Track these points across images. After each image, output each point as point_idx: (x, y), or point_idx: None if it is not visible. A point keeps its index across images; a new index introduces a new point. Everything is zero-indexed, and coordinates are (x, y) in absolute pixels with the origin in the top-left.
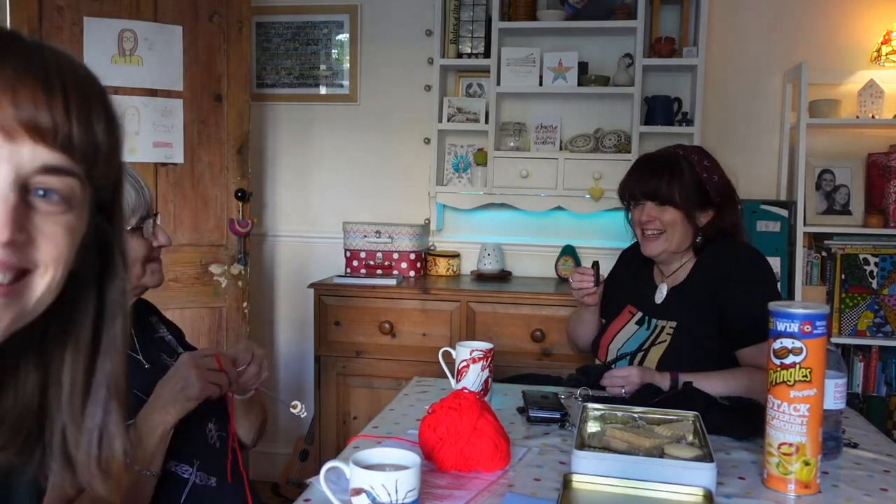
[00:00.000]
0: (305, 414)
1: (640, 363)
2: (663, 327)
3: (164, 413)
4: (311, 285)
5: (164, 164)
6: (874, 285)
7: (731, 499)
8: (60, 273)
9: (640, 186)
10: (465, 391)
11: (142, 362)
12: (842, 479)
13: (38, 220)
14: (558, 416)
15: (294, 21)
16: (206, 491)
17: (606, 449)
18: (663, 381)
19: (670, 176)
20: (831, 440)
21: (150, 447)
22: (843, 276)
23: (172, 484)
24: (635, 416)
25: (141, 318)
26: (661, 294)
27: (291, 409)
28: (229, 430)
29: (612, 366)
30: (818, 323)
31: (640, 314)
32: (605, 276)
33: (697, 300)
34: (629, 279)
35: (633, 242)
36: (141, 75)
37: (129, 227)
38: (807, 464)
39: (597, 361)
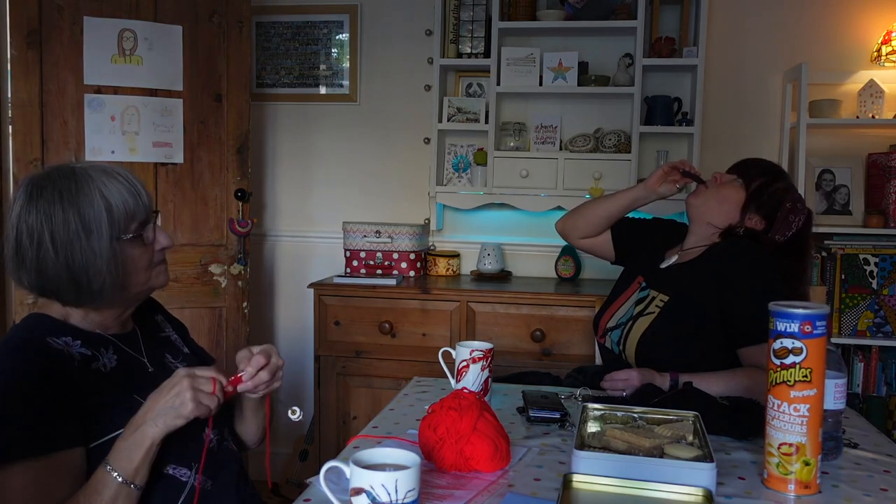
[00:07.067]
0: (300, 417)
1: (626, 334)
2: (654, 298)
3: (154, 426)
4: (311, 285)
5: (163, 164)
6: (874, 285)
7: (731, 499)
8: None
9: (740, 164)
10: (465, 391)
11: (146, 365)
12: (842, 480)
13: None
14: (558, 416)
15: (294, 21)
16: (204, 494)
17: (606, 449)
18: (663, 382)
19: (768, 175)
20: (831, 440)
21: (136, 459)
22: (843, 276)
23: (170, 487)
24: (635, 416)
25: (147, 318)
26: (667, 262)
27: (290, 415)
28: (265, 433)
29: (608, 335)
30: (818, 323)
31: (643, 284)
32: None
33: (697, 282)
34: (650, 246)
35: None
36: (141, 75)
37: (128, 236)
38: (807, 464)
39: (596, 341)
